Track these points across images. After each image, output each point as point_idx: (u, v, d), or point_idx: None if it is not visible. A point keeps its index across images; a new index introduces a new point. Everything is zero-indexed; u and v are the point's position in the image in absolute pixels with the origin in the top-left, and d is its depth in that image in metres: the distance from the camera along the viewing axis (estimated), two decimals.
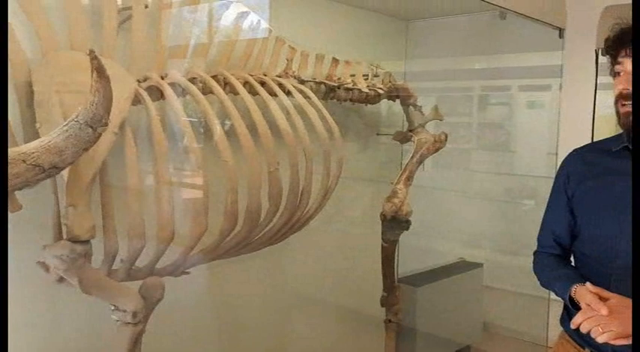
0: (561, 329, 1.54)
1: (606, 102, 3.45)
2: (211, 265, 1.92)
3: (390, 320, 2.72)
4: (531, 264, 1.63)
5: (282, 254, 2.57)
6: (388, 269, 2.69)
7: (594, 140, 1.69)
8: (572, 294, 1.39)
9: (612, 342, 1.24)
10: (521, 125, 4.09)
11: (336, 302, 2.98)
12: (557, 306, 2.44)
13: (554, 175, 2.70)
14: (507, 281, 3.83)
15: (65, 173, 1.37)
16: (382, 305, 2.73)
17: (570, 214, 1.50)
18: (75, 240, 1.38)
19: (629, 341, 1.23)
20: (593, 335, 1.26)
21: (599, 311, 1.26)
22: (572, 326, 1.31)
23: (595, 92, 3.21)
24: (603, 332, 1.24)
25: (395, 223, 2.57)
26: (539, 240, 1.60)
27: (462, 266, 3.84)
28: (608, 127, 1.80)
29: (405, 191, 2.53)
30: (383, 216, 2.55)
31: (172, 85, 1.73)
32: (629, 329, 1.23)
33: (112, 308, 1.54)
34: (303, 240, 2.39)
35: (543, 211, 1.62)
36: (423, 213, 2.68)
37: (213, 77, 1.85)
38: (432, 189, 3.63)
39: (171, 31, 1.85)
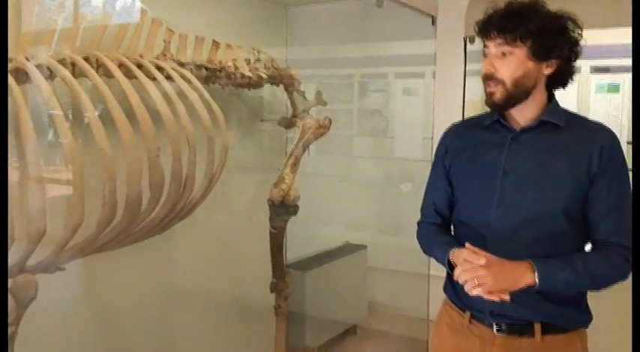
0: (444, 296, 1.62)
1: (474, 88, 3.68)
2: (90, 259, 1.81)
3: (280, 306, 2.73)
4: (412, 243, 1.70)
5: (167, 245, 2.48)
6: (277, 256, 2.69)
7: None
8: (451, 258, 1.46)
9: (486, 296, 1.32)
10: (398, 111, 4.26)
11: (224, 293, 2.93)
12: (436, 282, 2.57)
13: (430, 158, 2.83)
14: (390, 261, 3.99)
15: None
16: (272, 291, 2.73)
17: (449, 185, 1.59)
18: None
19: (501, 298, 1.32)
20: (468, 289, 1.33)
21: (476, 261, 1.34)
22: (454, 278, 1.38)
23: (464, 79, 3.40)
24: (478, 285, 1.32)
25: (283, 209, 2.57)
26: (421, 210, 1.68)
27: (348, 249, 3.94)
28: (476, 112, 1.91)
29: (291, 176, 2.54)
30: (271, 202, 2.54)
31: (39, 66, 1.60)
32: (502, 286, 1.32)
33: None
34: (188, 229, 2.33)
35: (421, 193, 1.70)
36: (308, 199, 2.70)
37: (85, 59, 1.73)
38: (316, 175, 3.68)
39: (37, 12, 1.70)
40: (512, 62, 1.40)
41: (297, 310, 3.19)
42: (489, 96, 1.44)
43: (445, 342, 1.59)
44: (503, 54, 1.40)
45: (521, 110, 1.46)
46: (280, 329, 2.74)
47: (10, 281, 1.46)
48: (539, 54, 1.41)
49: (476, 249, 1.38)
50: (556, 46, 1.41)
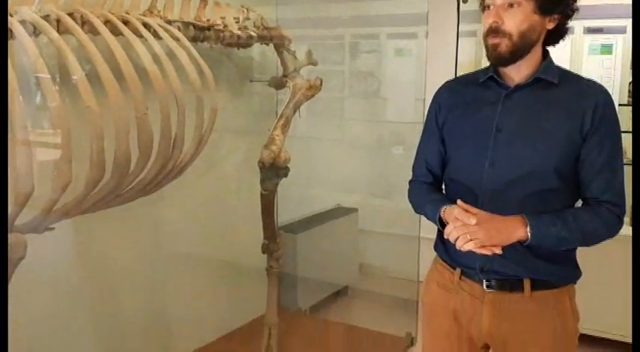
0: (435, 254, 1.62)
1: (467, 49, 3.63)
2: (80, 219, 1.79)
3: (271, 267, 2.73)
4: (403, 206, 1.69)
5: (158, 207, 2.47)
6: (268, 217, 2.68)
7: None
8: (442, 214, 1.46)
9: (477, 250, 1.32)
10: (390, 73, 4.21)
11: (216, 254, 2.94)
12: (427, 244, 2.58)
13: (422, 120, 2.81)
14: (381, 224, 4.01)
15: None
16: (263, 252, 2.73)
17: (441, 143, 1.57)
18: None
19: (493, 251, 1.32)
20: (459, 245, 1.33)
21: (467, 221, 1.34)
22: (445, 236, 1.38)
23: (457, 39, 3.36)
24: (470, 240, 1.32)
25: (274, 171, 2.55)
26: (413, 170, 1.67)
27: (339, 212, 3.96)
28: None
29: (282, 138, 2.51)
30: (261, 164, 2.52)
31: (23, 22, 1.55)
32: (494, 240, 1.33)
33: None
34: (179, 191, 2.31)
35: (413, 156, 1.69)
36: (300, 162, 2.68)
37: (69, 15, 1.68)
38: (307, 138, 3.66)
39: None
40: (519, 14, 1.37)
41: (288, 272, 3.22)
42: (493, 48, 1.40)
43: (435, 300, 1.60)
44: (511, 5, 1.37)
45: (517, 67, 1.44)
46: (272, 290, 2.76)
47: None
48: (545, 7, 1.38)
49: (467, 206, 1.38)
50: (562, 1, 1.40)
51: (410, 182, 1.67)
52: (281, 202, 3.00)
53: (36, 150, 1.53)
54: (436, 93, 1.62)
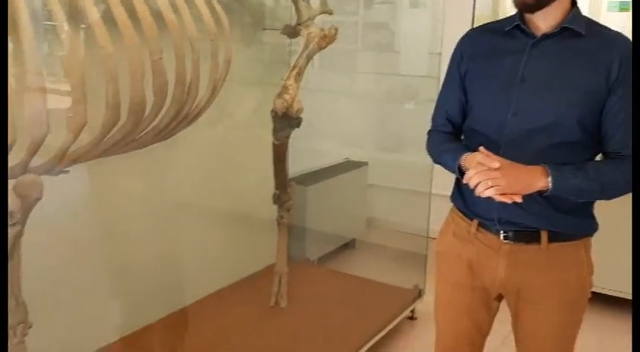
0: (451, 205, 1.62)
1: (482, 1, 3.54)
2: (93, 164, 1.79)
3: (282, 217, 2.75)
4: (414, 160, 1.67)
5: (170, 155, 2.46)
6: (280, 167, 2.67)
7: None
8: (462, 162, 1.44)
9: (497, 197, 1.31)
10: (405, 25, 4.13)
11: (227, 204, 2.95)
12: (438, 201, 2.57)
13: (437, 75, 2.76)
14: (390, 179, 4.00)
15: None
16: (274, 202, 2.74)
17: (463, 93, 1.54)
18: None
19: (513, 199, 1.31)
20: (479, 191, 1.31)
21: (490, 165, 1.32)
22: (465, 180, 1.36)
23: None
24: (491, 187, 1.30)
25: (286, 120, 2.53)
26: (433, 119, 1.64)
27: (348, 166, 3.95)
28: None
29: (295, 87, 2.48)
30: (274, 113, 2.50)
31: None
32: (515, 188, 1.31)
33: None
34: (191, 141, 2.30)
35: (425, 110, 1.66)
36: (311, 114, 2.65)
37: None
38: (319, 90, 3.62)
39: None
40: None
41: (297, 223, 3.23)
42: None
43: (450, 250, 1.60)
44: None
45: (544, 15, 1.40)
46: (282, 239, 2.78)
47: (13, 181, 1.44)
48: None
49: (490, 153, 1.36)
50: None
51: (428, 132, 1.65)
52: (291, 154, 2.99)
53: (49, 95, 1.52)
54: (459, 41, 1.58)
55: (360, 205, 4.00)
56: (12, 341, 1.50)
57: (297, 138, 2.69)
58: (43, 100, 1.43)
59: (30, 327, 1.52)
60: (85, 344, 2.25)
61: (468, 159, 1.41)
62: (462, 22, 3.26)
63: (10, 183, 1.43)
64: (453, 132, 1.60)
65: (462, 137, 1.60)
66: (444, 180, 1.60)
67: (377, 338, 2.63)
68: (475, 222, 1.53)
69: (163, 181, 2.55)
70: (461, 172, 1.44)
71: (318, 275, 3.25)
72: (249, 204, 3.02)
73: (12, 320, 1.49)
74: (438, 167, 1.59)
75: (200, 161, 2.70)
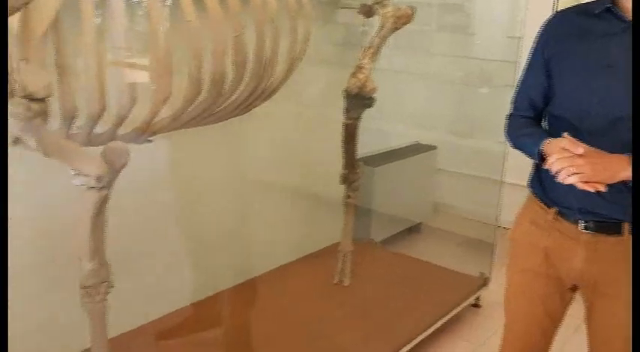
0: (529, 191, 1.58)
1: None
2: (174, 134, 1.85)
3: (349, 196, 2.76)
4: (486, 146, 1.63)
5: (244, 130, 2.52)
6: (350, 147, 2.68)
7: None
8: (543, 147, 1.39)
9: (580, 185, 1.27)
10: (481, 7, 4.01)
11: (295, 181, 2.99)
12: (510, 190, 2.50)
13: (513, 60, 2.67)
14: (460, 164, 3.93)
15: (14, 23, 1.24)
16: (342, 182, 2.75)
17: (546, 77, 1.49)
18: (30, 98, 1.28)
19: (596, 188, 1.26)
20: (561, 177, 1.27)
21: (575, 151, 1.28)
22: (547, 165, 1.32)
23: None
24: (575, 173, 1.26)
25: (359, 100, 2.52)
26: (514, 103, 1.60)
27: (417, 149, 3.91)
28: None
29: (370, 67, 2.47)
30: (347, 92, 2.50)
31: None
32: (599, 177, 1.26)
33: (74, 173, 1.47)
34: (265, 116, 2.34)
35: (499, 95, 1.61)
36: (382, 95, 2.63)
37: None
38: (392, 71, 3.58)
39: None
40: None
41: (363, 204, 3.24)
42: None
43: (526, 237, 1.56)
44: None
45: None
46: (348, 218, 2.80)
47: (101, 148, 1.52)
48: None
49: (574, 140, 1.31)
50: None
51: (508, 116, 1.61)
52: (360, 134, 2.99)
53: (136, 69, 1.58)
54: (545, 23, 1.52)
55: (428, 189, 3.96)
56: (95, 299, 1.60)
57: (367, 119, 2.69)
58: (130, 73, 1.49)
59: (112, 287, 1.60)
60: (160, 306, 2.37)
61: (551, 145, 1.37)
62: (544, 7, 3.14)
63: (98, 149, 1.51)
64: (534, 117, 1.55)
65: (543, 123, 1.55)
66: (517, 169, 1.55)
67: (440, 323, 2.62)
68: (553, 209, 1.48)
69: (237, 155, 2.62)
70: (541, 158, 1.40)
71: (382, 257, 3.26)
72: (317, 181, 3.05)
73: (95, 279, 1.58)
74: (511, 155, 1.55)
75: (273, 137, 2.75)
